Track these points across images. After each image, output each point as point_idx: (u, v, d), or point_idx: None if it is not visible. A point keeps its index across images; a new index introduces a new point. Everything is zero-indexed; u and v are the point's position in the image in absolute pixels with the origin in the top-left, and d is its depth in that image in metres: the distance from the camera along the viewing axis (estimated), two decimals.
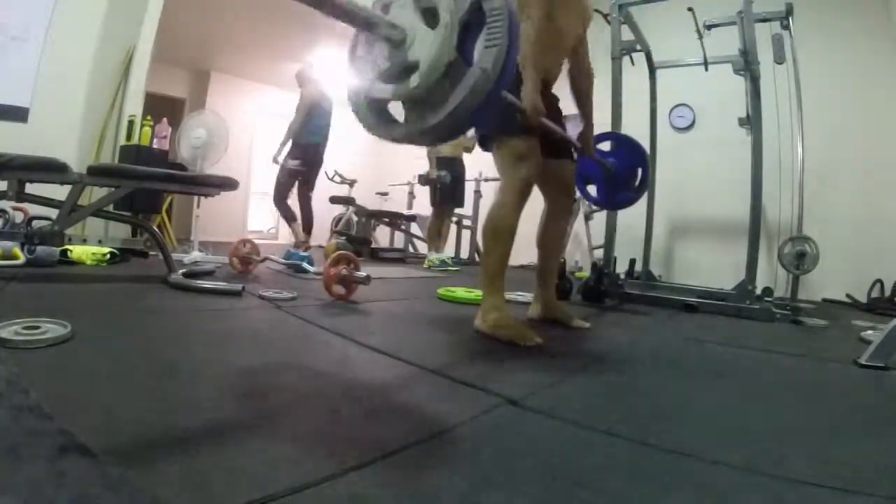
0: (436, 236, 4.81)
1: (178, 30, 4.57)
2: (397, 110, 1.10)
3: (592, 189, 2.51)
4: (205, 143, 3.67)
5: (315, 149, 4.52)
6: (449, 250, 5.48)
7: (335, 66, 6.25)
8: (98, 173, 2.15)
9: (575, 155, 2.01)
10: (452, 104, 0.95)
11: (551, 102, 1.80)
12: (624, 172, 2.34)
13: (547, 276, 2.00)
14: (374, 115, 1.08)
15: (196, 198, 3.83)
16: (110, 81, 3.60)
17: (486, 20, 0.95)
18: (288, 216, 4.43)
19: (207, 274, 2.62)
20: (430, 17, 0.96)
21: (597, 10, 3.23)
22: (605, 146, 2.43)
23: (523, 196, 1.69)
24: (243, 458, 0.66)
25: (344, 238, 4.82)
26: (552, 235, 1.99)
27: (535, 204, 1.98)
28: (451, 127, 1.01)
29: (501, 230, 1.65)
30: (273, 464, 0.65)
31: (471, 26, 0.98)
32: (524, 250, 2.04)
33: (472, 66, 0.96)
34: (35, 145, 2.24)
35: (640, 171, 2.35)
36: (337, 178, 6.25)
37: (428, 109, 0.98)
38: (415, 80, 0.95)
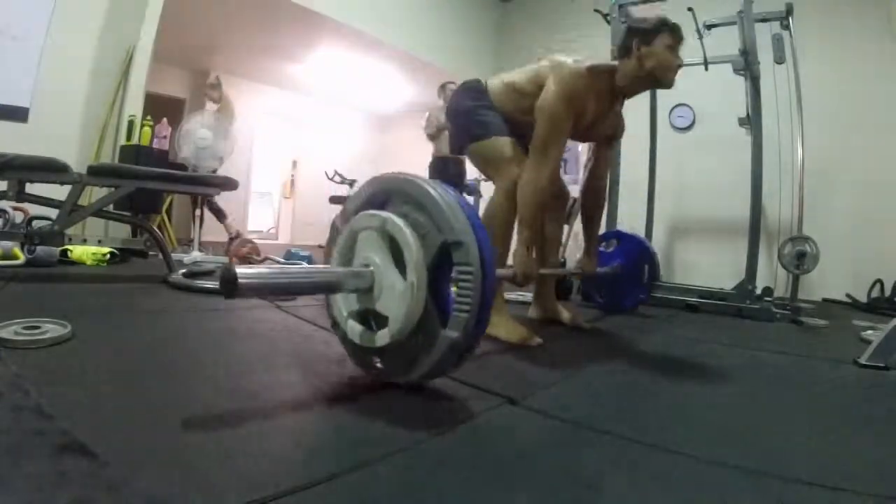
0: None
1: (178, 30, 4.55)
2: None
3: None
4: (210, 144, 3.68)
5: None
6: None
7: (336, 66, 6.26)
8: (98, 173, 2.15)
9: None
10: (426, 367, 0.92)
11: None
12: (629, 273, 2.33)
13: (545, 276, 1.99)
14: (353, 349, 1.04)
15: (196, 198, 3.83)
16: (110, 81, 3.59)
17: (457, 270, 0.90)
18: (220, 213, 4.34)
19: (207, 274, 2.62)
20: (399, 254, 0.92)
21: (596, 10, 3.25)
22: (611, 245, 2.43)
23: (515, 195, 1.69)
24: (243, 458, 0.66)
25: None
26: (547, 236, 1.99)
27: None
28: (429, 378, 0.98)
29: (497, 229, 1.66)
30: (273, 464, 0.65)
31: (442, 271, 0.93)
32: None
33: (445, 312, 0.92)
34: (35, 145, 2.24)
35: (646, 267, 2.35)
36: (337, 178, 6.25)
37: (401, 361, 0.95)
38: (384, 336, 0.92)
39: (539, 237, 1.99)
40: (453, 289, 0.94)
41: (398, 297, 0.90)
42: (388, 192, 1.02)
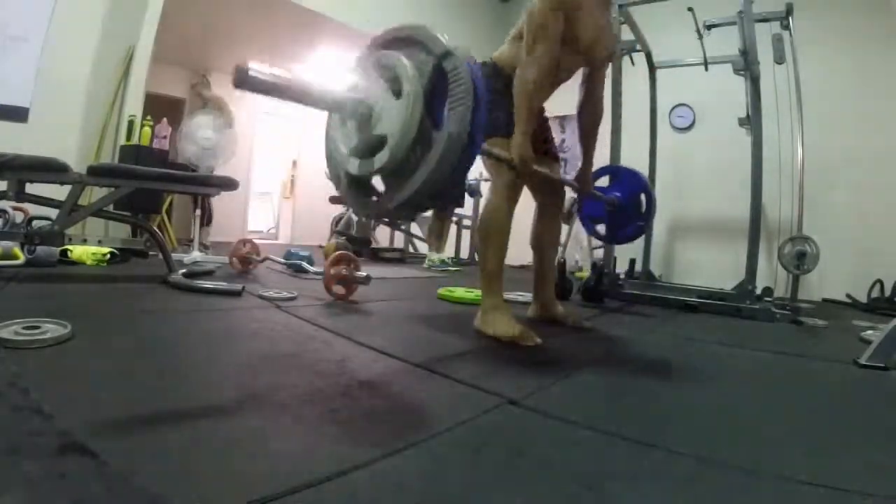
0: (436, 236, 4.80)
1: (178, 30, 4.55)
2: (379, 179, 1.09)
3: (601, 228, 2.50)
4: (214, 143, 3.68)
5: None
6: (449, 250, 5.48)
7: (336, 66, 6.26)
8: (98, 173, 2.15)
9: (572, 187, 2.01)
10: (424, 173, 0.94)
11: (540, 124, 1.81)
12: (628, 204, 2.34)
13: (545, 275, 2.00)
14: (353, 190, 1.07)
15: (196, 198, 3.83)
16: (110, 81, 3.59)
17: (448, 82, 0.95)
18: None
19: (207, 274, 2.62)
20: (396, 86, 0.96)
21: None
22: (604, 181, 2.43)
23: (513, 196, 1.70)
24: (243, 458, 0.66)
25: (344, 238, 4.81)
26: (546, 235, 1.99)
27: (532, 205, 1.98)
28: (428, 196, 1.00)
29: (494, 230, 1.66)
30: (273, 464, 0.65)
31: (437, 89, 0.97)
32: (524, 250, 2.04)
33: (440, 125, 0.95)
34: (35, 145, 2.24)
35: (643, 198, 2.35)
36: None
37: (404, 181, 0.97)
38: (384, 155, 0.95)
39: (538, 236, 1.99)
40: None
41: (395, 114, 0.95)
42: (385, 42, 1.10)
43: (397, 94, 0.96)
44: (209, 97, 4.21)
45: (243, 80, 0.81)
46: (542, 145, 1.87)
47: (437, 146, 0.93)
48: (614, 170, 2.49)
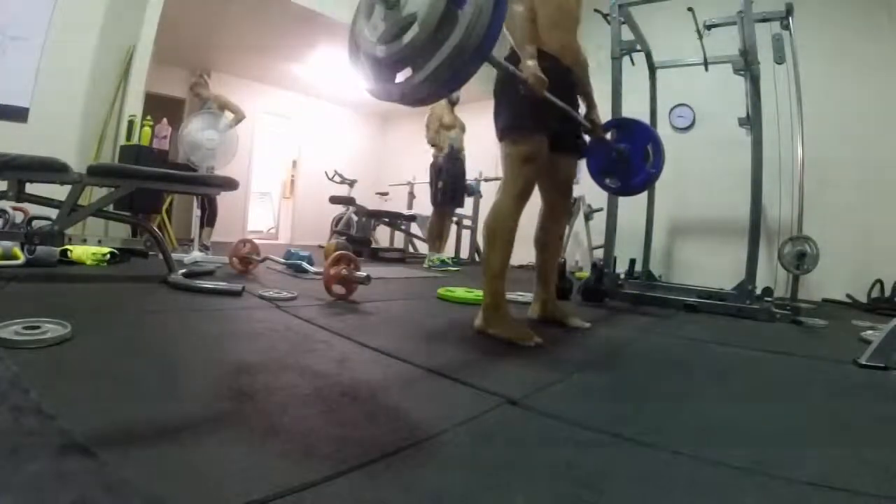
0: (436, 236, 4.81)
1: (178, 30, 4.56)
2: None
3: (611, 182, 2.48)
4: (218, 144, 3.68)
5: None
6: (449, 250, 5.48)
7: (336, 66, 6.26)
8: (98, 173, 2.15)
9: (586, 139, 1.99)
10: (453, 42, 0.99)
11: (566, 80, 1.79)
12: (637, 153, 2.33)
13: (546, 276, 2.00)
14: (376, 75, 1.13)
15: (196, 198, 3.84)
16: (110, 81, 3.60)
17: None
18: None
19: (207, 274, 2.62)
20: None
21: (597, 10, 3.24)
22: (609, 135, 2.41)
23: (523, 197, 1.69)
24: (244, 458, 0.66)
25: (344, 238, 4.82)
26: (550, 235, 1.99)
27: (534, 203, 1.98)
28: (453, 68, 1.05)
29: (501, 231, 1.65)
30: (274, 464, 0.65)
31: None
32: (524, 250, 2.04)
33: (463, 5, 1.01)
34: (35, 145, 2.24)
35: (650, 147, 2.34)
36: (337, 178, 6.25)
37: (431, 54, 1.02)
38: (413, 31, 1.01)
39: (541, 236, 1.99)
40: None
41: None
42: None
43: None
44: (208, 96, 4.20)
45: None
46: (574, 140, 1.89)
47: (463, 19, 0.99)
48: (620, 122, 2.48)
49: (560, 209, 1.98)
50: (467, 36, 0.99)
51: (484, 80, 1.81)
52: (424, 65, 1.04)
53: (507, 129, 1.70)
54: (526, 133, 1.67)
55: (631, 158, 2.31)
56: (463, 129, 4.82)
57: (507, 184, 1.69)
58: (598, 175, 2.48)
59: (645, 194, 3.51)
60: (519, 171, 1.66)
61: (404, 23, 1.04)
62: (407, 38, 1.02)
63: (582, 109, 1.99)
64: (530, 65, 1.56)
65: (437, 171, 4.66)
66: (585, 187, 3.55)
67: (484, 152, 4.76)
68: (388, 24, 1.07)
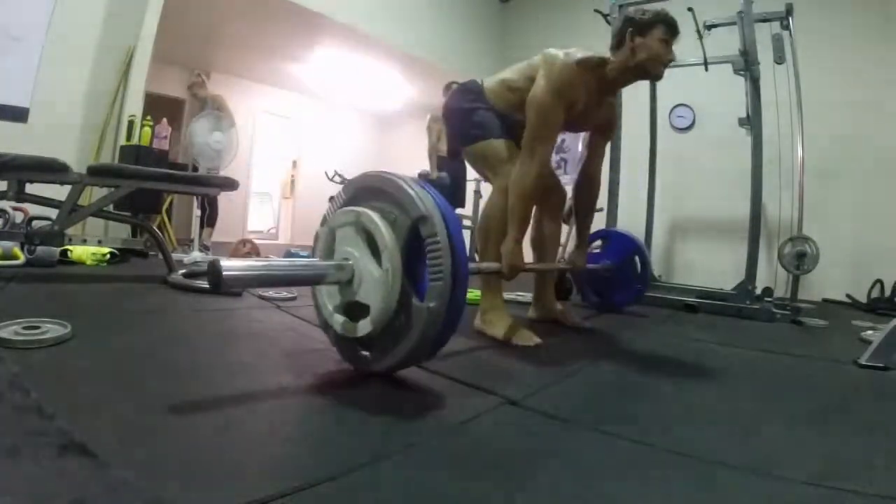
0: None
1: (178, 30, 4.55)
2: None
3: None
4: (224, 146, 3.70)
5: None
6: None
7: (336, 66, 6.26)
8: (98, 173, 2.15)
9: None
10: (410, 345, 0.95)
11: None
12: (622, 268, 2.36)
13: (544, 276, 1.99)
14: (343, 345, 1.09)
15: (195, 198, 3.84)
16: (110, 81, 3.59)
17: (425, 246, 0.94)
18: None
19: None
20: (375, 246, 0.97)
21: (597, 11, 3.24)
22: (596, 244, 2.45)
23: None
24: (243, 458, 0.66)
25: None
26: (546, 235, 1.99)
27: None
28: (418, 359, 1.03)
29: (495, 231, 1.66)
30: (274, 464, 0.65)
31: (413, 247, 0.97)
32: (525, 250, 2.04)
33: (422, 291, 0.95)
34: (35, 145, 2.24)
35: (637, 259, 2.36)
36: (337, 179, 6.24)
37: (390, 344, 0.99)
38: (366, 325, 0.97)
39: (538, 237, 1.99)
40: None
41: (376, 284, 0.95)
42: (358, 191, 1.09)
43: (376, 255, 0.96)
44: (206, 96, 4.20)
45: (218, 282, 0.79)
46: None
47: (418, 321, 0.94)
48: (605, 234, 2.51)
49: (552, 208, 1.98)
50: (422, 342, 0.95)
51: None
52: (381, 356, 1.00)
53: (474, 139, 1.72)
54: (494, 137, 1.68)
55: (618, 274, 2.34)
56: None
57: (494, 185, 1.71)
58: (586, 288, 2.51)
59: (645, 194, 3.52)
60: (500, 168, 1.67)
61: (357, 306, 0.99)
62: (361, 329, 0.97)
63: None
64: (511, 251, 1.55)
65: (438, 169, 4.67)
66: None
67: None
68: (342, 298, 1.03)
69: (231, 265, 0.82)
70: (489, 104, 1.73)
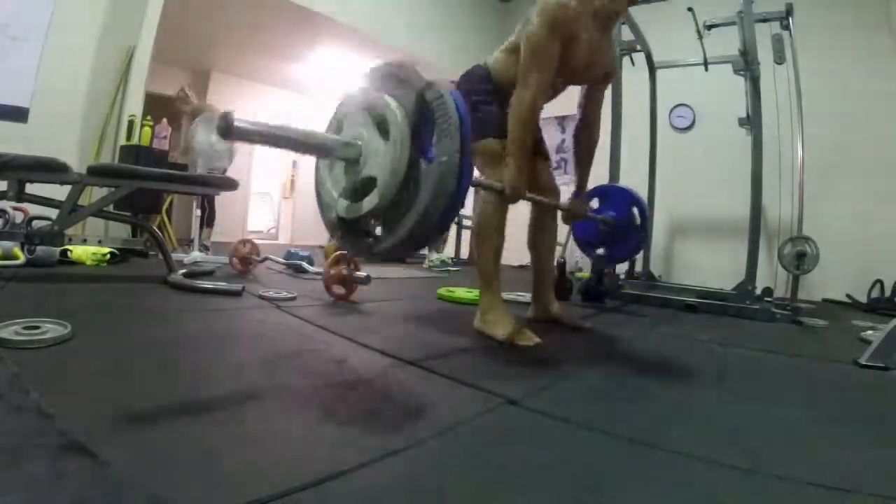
0: None
1: (178, 30, 4.56)
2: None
3: (601, 251, 2.50)
4: (229, 148, 3.71)
5: None
6: (449, 250, 5.48)
7: (336, 66, 6.26)
8: (98, 173, 2.15)
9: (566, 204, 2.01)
10: (421, 207, 0.93)
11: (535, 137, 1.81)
12: (623, 220, 2.36)
13: (543, 276, 1.99)
14: (346, 232, 1.06)
15: (195, 198, 3.84)
16: (110, 81, 3.59)
17: (432, 109, 0.94)
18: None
19: (207, 274, 2.62)
20: (382, 125, 0.96)
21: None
22: (594, 203, 2.44)
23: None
24: (243, 458, 0.66)
25: None
26: (543, 235, 1.99)
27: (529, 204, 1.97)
28: (428, 230, 0.98)
29: (489, 230, 1.66)
30: (274, 464, 0.65)
31: (422, 119, 0.96)
32: (524, 250, 2.04)
33: (430, 158, 0.94)
34: (35, 145, 2.24)
35: (635, 211, 2.36)
36: None
37: (397, 220, 0.96)
38: (374, 197, 0.95)
39: (535, 237, 1.98)
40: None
41: (383, 156, 0.94)
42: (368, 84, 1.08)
43: (384, 134, 0.95)
44: (192, 109, 4.19)
45: (228, 130, 0.80)
46: (535, 146, 1.87)
47: (428, 181, 0.92)
48: (603, 190, 2.50)
49: (548, 210, 1.98)
50: (433, 202, 0.92)
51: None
52: (388, 235, 0.98)
53: (479, 133, 1.70)
54: (492, 136, 1.68)
55: (618, 226, 2.33)
56: None
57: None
58: (587, 247, 2.49)
59: (645, 194, 3.51)
60: (496, 167, 1.66)
61: (363, 183, 0.98)
62: (367, 204, 0.95)
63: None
64: (513, 175, 1.55)
65: None
66: None
67: None
68: (348, 179, 1.01)
69: (243, 118, 0.83)
70: (494, 87, 1.72)
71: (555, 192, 1.99)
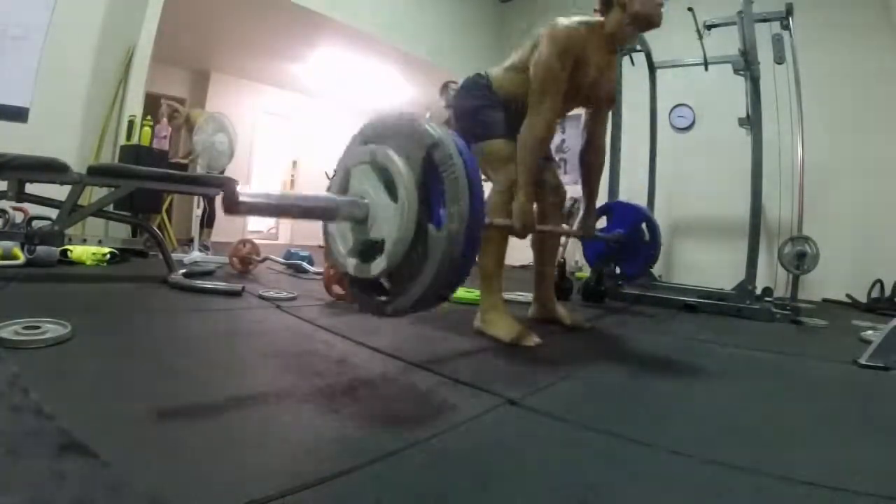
0: None
1: (178, 30, 4.55)
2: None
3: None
4: (227, 147, 3.72)
5: None
6: None
7: (336, 66, 6.26)
8: (98, 173, 2.15)
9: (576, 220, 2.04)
10: (429, 277, 0.92)
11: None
12: (632, 237, 2.36)
13: (545, 276, 1.99)
14: (359, 289, 1.05)
15: (195, 198, 3.84)
16: (110, 81, 3.59)
17: (440, 172, 0.92)
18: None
19: (207, 274, 2.62)
20: (390, 183, 0.94)
21: (596, 10, 3.24)
22: (601, 222, 2.46)
23: (511, 195, 1.69)
24: (243, 458, 0.66)
25: None
26: (546, 234, 1.99)
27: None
28: (437, 294, 0.98)
29: (493, 230, 1.66)
30: (273, 464, 0.65)
31: (430, 179, 0.95)
32: (524, 250, 2.04)
33: (439, 222, 0.93)
34: (35, 145, 2.24)
35: (644, 226, 2.37)
36: None
37: (407, 281, 0.95)
38: (382, 261, 0.94)
39: (538, 236, 1.98)
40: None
41: (391, 218, 0.93)
42: (371, 135, 1.07)
43: (391, 192, 0.93)
44: (188, 116, 4.19)
45: (233, 207, 0.77)
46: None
47: (438, 247, 0.90)
48: (609, 207, 2.51)
49: (551, 209, 1.98)
50: (444, 266, 0.91)
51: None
52: (398, 295, 0.97)
53: (479, 138, 1.72)
54: (497, 136, 1.70)
55: (627, 243, 2.35)
56: None
57: (495, 184, 1.71)
58: (598, 264, 2.50)
59: (645, 195, 3.51)
60: (502, 170, 1.67)
61: (371, 244, 0.97)
62: (376, 268, 0.95)
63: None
64: (523, 209, 1.58)
65: None
66: None
67: None
68: (356, 239, 1.00)
69: (247, 192, 0.81)
70: (497, 97, 1.74)
71: (559, 189, 1.98)
